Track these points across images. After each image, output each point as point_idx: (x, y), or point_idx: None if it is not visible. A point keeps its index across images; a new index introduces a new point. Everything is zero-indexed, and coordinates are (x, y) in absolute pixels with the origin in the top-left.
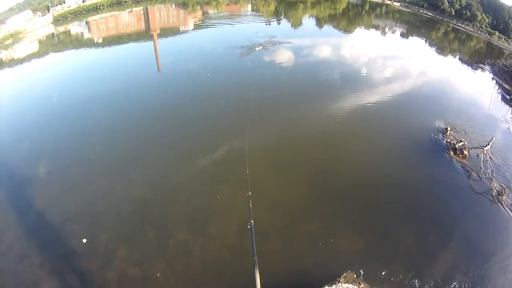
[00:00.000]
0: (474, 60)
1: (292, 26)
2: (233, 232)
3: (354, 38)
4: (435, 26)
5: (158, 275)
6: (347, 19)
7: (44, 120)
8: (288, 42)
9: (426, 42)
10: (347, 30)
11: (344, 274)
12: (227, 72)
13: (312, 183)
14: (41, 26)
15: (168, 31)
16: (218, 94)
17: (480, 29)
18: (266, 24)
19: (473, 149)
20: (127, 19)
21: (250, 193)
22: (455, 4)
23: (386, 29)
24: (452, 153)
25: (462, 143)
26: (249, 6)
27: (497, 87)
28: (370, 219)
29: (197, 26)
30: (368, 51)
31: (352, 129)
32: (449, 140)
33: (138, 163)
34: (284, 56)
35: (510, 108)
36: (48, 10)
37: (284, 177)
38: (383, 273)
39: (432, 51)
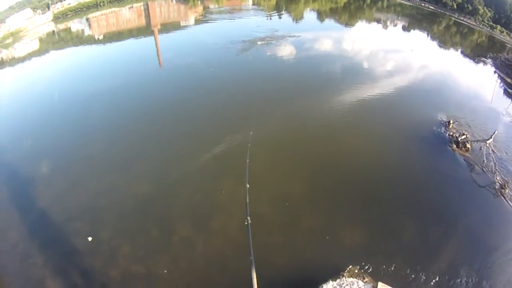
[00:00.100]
0: (476, 53)
1: (293, 20)
2: (236, 227)
3: (355, 31)
4: (436, 20)
5: (165, 271)
6: (348, 13)
7: (45, 117)
8: (289, 36)
9: (428, 35)
10: (349, 23)
11: (348, 268)
12: (229, 67)
13: (315, 177)
14: (41, 24)
15: (169, 27)
16: (220, 89)
17: (482, 23)
18: (267, 18)
19: (475, 142)
20: (128, 15)
21: (248, 186)
22: None
23: (388, 23)
24: (454, 146)
25: (465, 136)
26: (250, 0)
27: (499, 80)
28: (373, 212)
29: (198, 21)
30: (369, 45)
31: (354, 122)
32: (451, 133)
33: (140, 159)
34: (286, 50)
35: None
36: (48, 8)
37: (286, 171)
38: (386, 266)
39: (434, 44)
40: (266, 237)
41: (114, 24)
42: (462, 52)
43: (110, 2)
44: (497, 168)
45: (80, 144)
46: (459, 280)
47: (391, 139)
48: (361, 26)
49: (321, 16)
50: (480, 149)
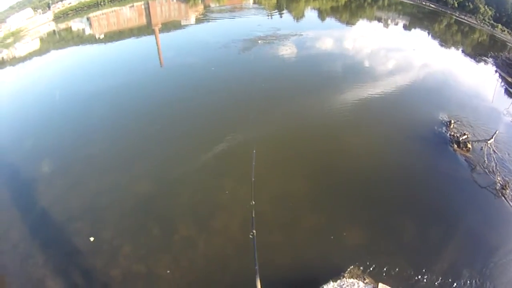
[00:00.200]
0: (477, 52)
1: (294, 19)
2: (237, 226)
3: (356, 30)
4: (437, 18)
5: (168, 271)
6: (349, 11)
7: (46, 117)
8: (291, 35)
9: (429, 34)
10: (350, 22)
11: (349, 268)
12: (231, 66)
13: (315, 176)
14: (42, 23)
15: (170, 26)
16: (222, 88)
17: (483, 21)
18: (268, 17)
19: (476, 142)
20: (128, 14)
21: (253, 203)
22: None
23: (389, 21)
24: (455, 146)
25: (466, 136)
26: None
27: (500, 80)
28: (374, 212)
29: (198, 20)
30: (370, 44)
31: (355, 121)
32: (452, 133)
33: (141, 159)
34: (287, 49)
35: None
36: (49, 7)
37: (287, 170)
38: (388, 267)
39: (435, 43)
40: (267, 237)
41: (115, 23)
42: (463, 51)
43: (110, 1)
44: (498, 168)
45: (81, 143)
46: (461, 281)
47: (392, 139)
48: (362, 24)
49: (322, 14)
50: (481, 149)
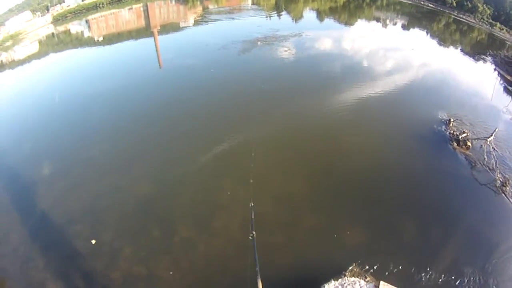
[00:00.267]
0: (475, 51)
1: (293, 20)
2: (237, 227)
3: (355, 30)
4: (436, 18)
5: (171, 273)
6: (348, 12)
7: (45, 120)
8: (290, 36)
9: (427, 33)
10: (348, 22)
11: (350, 267)
12: (230, 67)
13: (315, 176)
14: (40, 26)
15: (169, 28)
16: (221, 89)
17: (482, 20)
18: (267, 18)
19: (476, 140)
20: (127, 16)
21: (252, 204)
22: None
23: (387, 21)
24: (455, 144)
25: (465, 134)
26: (249, 0)
27: (499, 78)
28: (374, 211)
29: (197, 22)
30: (369, 44)
31: (355, 121)
32: (452, 131)
33: (141, 160)
34: (286, 50)
35: None
36: (48, 10)
37: (288, 170)
38: (389, 266)
39: (433, 42)
40: (268, 237)
41: (114, 26)
42: (462, 50)
43: (109, 3)
44: (498, 165)
45: (81, 146)
46: (464, 278)
47: (392, 138)
48: (360, 25)
49: (320, 15)
50: (481, 147)
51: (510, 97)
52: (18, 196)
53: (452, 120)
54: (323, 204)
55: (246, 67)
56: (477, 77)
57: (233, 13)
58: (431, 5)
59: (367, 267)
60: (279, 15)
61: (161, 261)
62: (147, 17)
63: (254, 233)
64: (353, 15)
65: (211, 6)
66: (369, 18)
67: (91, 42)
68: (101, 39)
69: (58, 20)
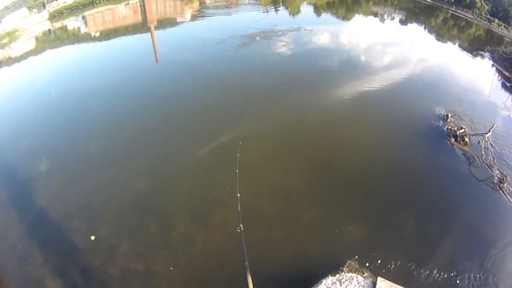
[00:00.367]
0: (473, 47)
1: (290, 14)
2: (235, 222)
3: (353, 25)
4: (434, 13)
5: (171, 268)
6: (345, 6)
7: (42, 116)
8: (287, 30)
9: (425, 29)
10: (346, 17)
11: (347, 263)
12: (228, 62)
13: (314, 171)
14: (37, 23)
15: (165, 23)
16: (219, 84)
17: (480, 16)
18: (264, 13)
19: (474, 136)
20: (124, 12)
21: (239, 195)
22: None
23: (385, 16)
24: (453, 140)
25: (463, 130)
26: None
27: (497, 74)
28: (372, 207)
29: (194, 17)
30: (367, 39)
31: (353, 116)
32: (450, 127)
33: (138, 155)
34: (284, 44)
35: (510, 95)
36: (44, 7)
37: (286, 165)
38: (386, 261)
39: (431, 38)
40: (266, 232)
41: (110, 21)
42: (459, 46)
43: None
44: (495, 162)
45: (78, 141)
46: (459, 274)
47: (390, 133)
48: (358, 19)
49: (318, 10)
50: (479, 143)
51: (508, 93)
52: (15, 193)
53: (450, 115)
54: (322, 199)
55: (244, 62)
56: (475, 73)
57: (230, 8)
58: (429, 0)
59: (365, 262)
60: (276, 10)
61: (159, 257)
62: (143, 12)
63: (241, 226)
64: (351, 9)
65: (208, 1)
66: (366, 13)
67: (88, 38)
68: (98, 34)
69: (55, 16)
